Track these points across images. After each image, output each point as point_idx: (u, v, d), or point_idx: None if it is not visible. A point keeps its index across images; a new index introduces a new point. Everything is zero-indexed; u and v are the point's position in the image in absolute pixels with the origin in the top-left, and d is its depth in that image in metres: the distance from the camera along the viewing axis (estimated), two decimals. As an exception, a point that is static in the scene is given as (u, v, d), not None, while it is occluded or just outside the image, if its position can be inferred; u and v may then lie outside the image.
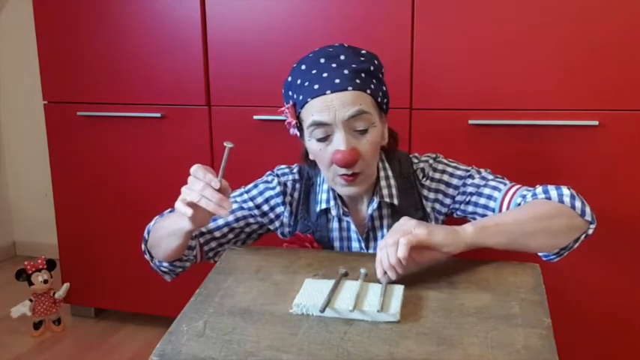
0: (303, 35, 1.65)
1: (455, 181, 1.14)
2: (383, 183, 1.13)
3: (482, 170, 1.16)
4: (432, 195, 1.16)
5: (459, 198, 1.14)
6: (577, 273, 1.56)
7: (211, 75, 1.77)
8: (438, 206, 1.16)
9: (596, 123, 1.46)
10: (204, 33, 1.75)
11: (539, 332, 0.76)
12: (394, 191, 1.13)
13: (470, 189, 1.13)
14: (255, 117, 1.72)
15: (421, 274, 0.93)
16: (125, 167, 1.94)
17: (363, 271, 0.90)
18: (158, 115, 1.84)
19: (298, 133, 1.11)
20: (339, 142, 1.01)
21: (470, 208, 1.14)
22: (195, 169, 0.92)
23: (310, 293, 0.85)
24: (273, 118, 1.70)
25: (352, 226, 1.15)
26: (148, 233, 1.15)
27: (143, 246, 1.17)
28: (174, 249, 1.06)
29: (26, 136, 2.70)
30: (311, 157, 1.12)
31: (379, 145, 1.08)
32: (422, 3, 1.53)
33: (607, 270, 1.55)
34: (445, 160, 1.17)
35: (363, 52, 1.07)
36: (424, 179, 1.15)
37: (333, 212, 1.13)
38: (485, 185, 1.13)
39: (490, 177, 1.14)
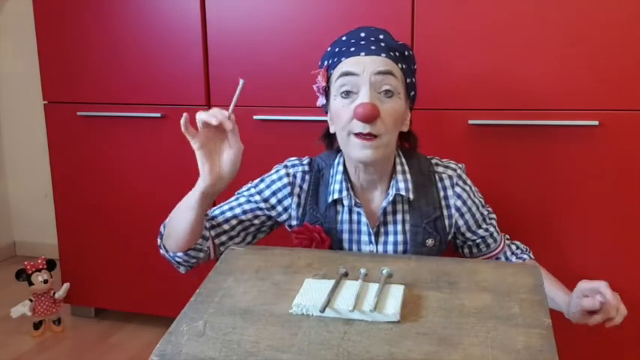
0: (302, 35, 1.65)
1: (485, 212, 1.23)
2: (400, 177, 1.13)
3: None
4: (464, 209, 1.19)
5: (484, 225, 1.23)
6: (577, 273, 1.56)
7: (211, 75, 1.77)
8: (460, 222, 1.19)
9: (596, 123, 1.46)
10: (204, 33, 1.75)
11: (539, 332, 0.76)
12: (410, 185, 1.14)
13: (491, 227, 1.24)
14: (255, 117, 1.72)
15: (421, 274, 0.93)
16: (125, 167, 1.94)
17: (363, 271, 0.90)
18: (158, 115, 1.84)
19: (325, 101, 1.13)
20: (363, 95, 1.03)
21: (480, 238, 1.24)
22: (212, 109, 1.02)
23: (310, 293, 0.85)
24: (273, 118, 1.70)
25: (363, 218, 1.15)
26: (164, 227, 1.16)
27: (159, 240, 1.18)
28: (189, 226, 1.07)
29: (26, 136, 2.70)
30: (332, 129, 1.14)
31: (400, 119, 1.09)
32: (422, 3, 1.54)
33: (607, 269, 1.55)
34: (469, 180, 1.22)
35: (401, 42, 1.13)
36: (455, 187, 1.17)
37: (345, 202, 1.14)
38: (495, 223, 1.26)
39: (493, 216, 1.27)
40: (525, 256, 1.29)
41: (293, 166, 1.20)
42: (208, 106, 1.79)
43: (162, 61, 1.81)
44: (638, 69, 1.43)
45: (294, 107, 1.67)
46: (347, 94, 1.06)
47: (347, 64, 1.06)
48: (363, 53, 1.06)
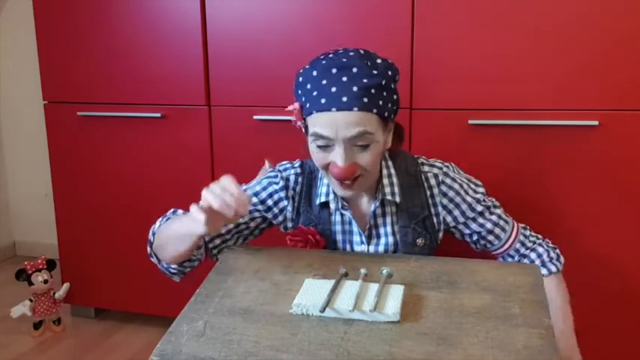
0: (303, 36, 1.64)
1: (480, 208, 1.18)
2: (385, 181, 1.14)
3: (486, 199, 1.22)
4: (451, 206, 1.17)
5: (480, 220, 1.19)
6: (577, 273, 1.56)
7: (211, 75, 1.77)
8: (449, 218, 1.18)
9: (596, 123, 1.46)
10: (204, 33, 1.75)
11: (539, 332, 0.77)
12: (397, 189, 1.14)
13: (489, 224, 1.19)
14: (255, 117, 1.72)
15: (421, 274, 0.93)
16: (125, 167, 1.94)
17: (363, 271, 0.90)
18: (158, 115, 1.84)
19: (303, 130, 1.12)
20: (338, 157, 1.02)
21: (475, 234, 1.20)
22: (223, 177, 0.94)
23: (310, 293, 0.85)
24: (273, 118, 1.70)
25: (353, 220, 1.16)
26: (153, 235, 1.14)
27: (149, 249, 1.16)
28: (182, 253, 1.05)
29: (26, 136, 2.70)
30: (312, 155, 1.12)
31: (380, 156, 1.09)
32: (422, 3, 1.53)
33: (607, 270, 1.55)
34: (459, 175, 1.19)
35: (379, 61, 1.06)
36: (441, 185, 1.16)
37: (332, 205, 1.15)
38: (498, 219, 1.21)
39: (498, 212, 1.21)
40: (545, 271, 1.18)
41: (285, 169, 1.21)
42: (208, 106, 1.79)
43: (163, 61, 1.80)
44: (638, 69, 1.43)
45: (294, 107, 1.67)
46: (323, 147, 1.04)
47: (319, 124, 1.02)
48: (334, 109, 1.00)
